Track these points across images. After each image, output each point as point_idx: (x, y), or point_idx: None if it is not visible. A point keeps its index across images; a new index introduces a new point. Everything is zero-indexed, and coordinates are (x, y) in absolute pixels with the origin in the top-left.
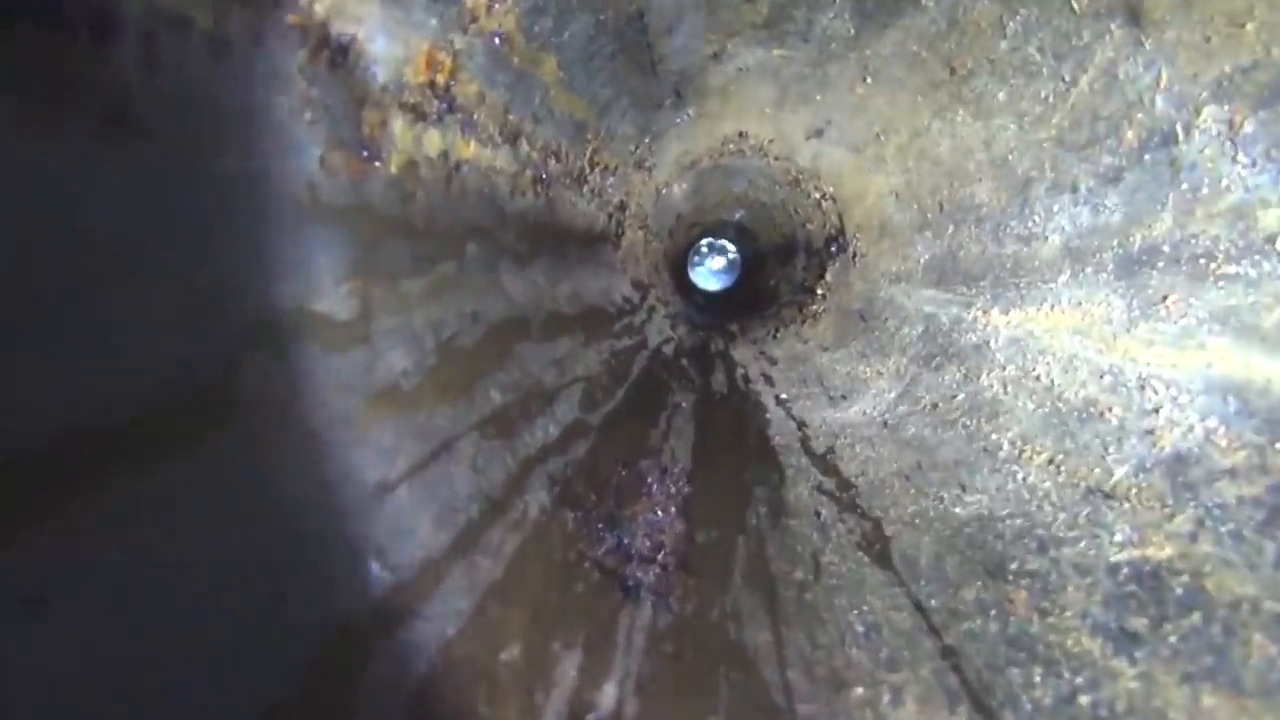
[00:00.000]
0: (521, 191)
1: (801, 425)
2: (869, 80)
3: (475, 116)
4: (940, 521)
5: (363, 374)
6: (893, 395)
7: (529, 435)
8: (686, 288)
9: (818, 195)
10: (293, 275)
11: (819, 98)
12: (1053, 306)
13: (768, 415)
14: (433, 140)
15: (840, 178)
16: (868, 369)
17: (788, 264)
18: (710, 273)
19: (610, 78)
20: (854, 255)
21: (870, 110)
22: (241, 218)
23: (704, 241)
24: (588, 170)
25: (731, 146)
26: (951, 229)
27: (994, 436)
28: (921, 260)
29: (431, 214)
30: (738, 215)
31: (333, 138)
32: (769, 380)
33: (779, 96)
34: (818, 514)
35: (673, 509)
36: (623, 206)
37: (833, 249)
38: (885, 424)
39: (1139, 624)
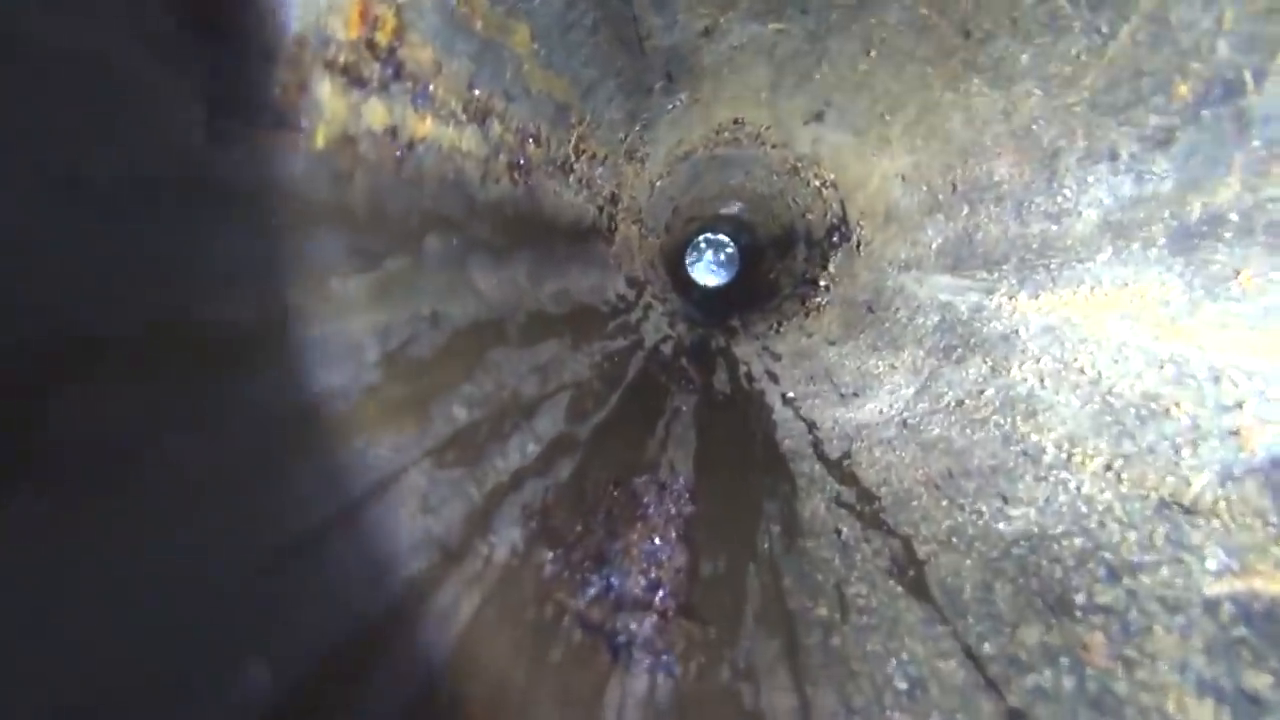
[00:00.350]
0: (495, 178)
1: (812, 427)
2: (873, 53)
3: (432, 89)
4: (981, 540)
5: (275, 398)
6: (910, 391)
7: (500, 458)
8: (684, 284)
9: (818, 183)
10: (171, 275)
11: (818, 76)
12: (1092, 289)
13: (774, 416)
14: (375, 112)
15: (841, 163)
16: (880, 363)
17: (787, 256)
18: (708, 268)
19: (593, 54)
20: (858, 244)
21: (874, 87)
22: (104, 202)
23: (701, 238)
24: (573, 158)
25: (727, 135)
26: (966, 210)
27: (1034, 438)
28: (933, 245)
29: (376, 200)
30: (735, 208)
31: (226, 99)
32: (773, 378)
33: (775, 77)
34: (838, 532)
35: (673, 533)
36: (614, 199)
37: (835, 238)
38: (905, 424)
39: (1260, 683)
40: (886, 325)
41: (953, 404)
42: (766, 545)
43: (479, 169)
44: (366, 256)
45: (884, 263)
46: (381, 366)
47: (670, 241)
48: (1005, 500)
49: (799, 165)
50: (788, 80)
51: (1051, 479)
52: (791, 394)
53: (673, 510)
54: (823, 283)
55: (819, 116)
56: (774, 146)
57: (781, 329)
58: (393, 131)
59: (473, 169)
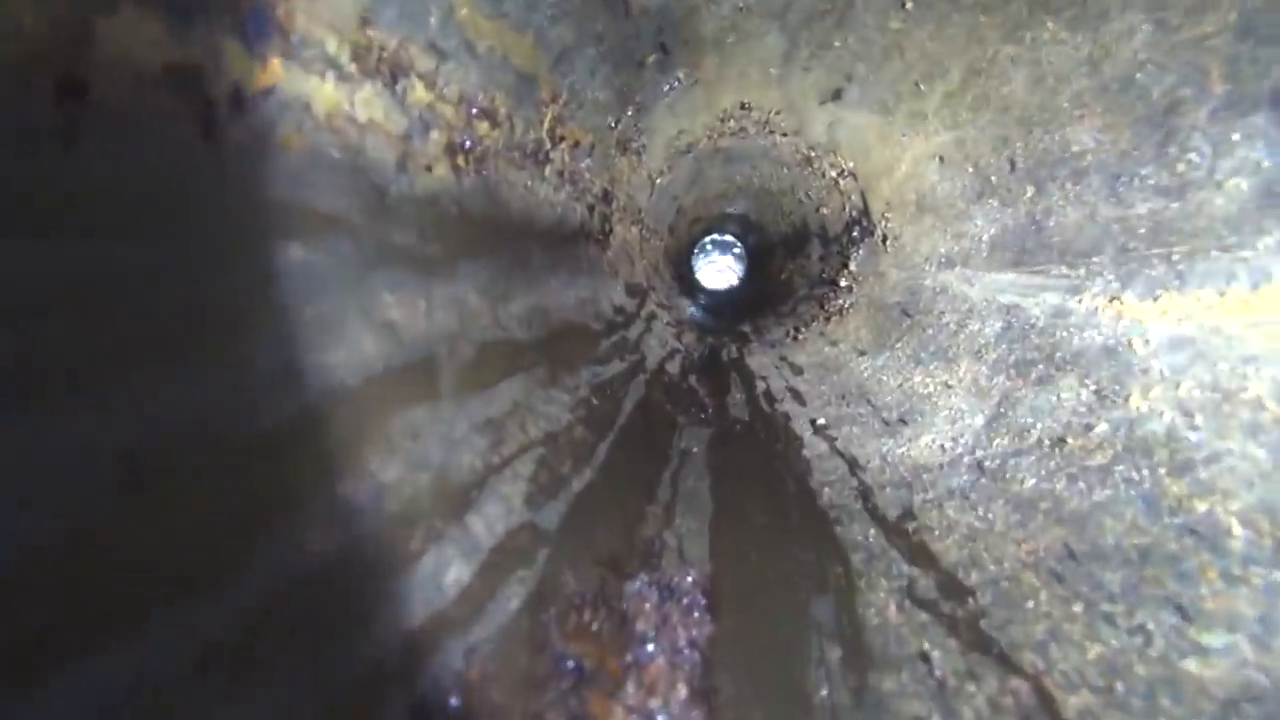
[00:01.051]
0: (425, 165)
1: (854, 466)
2: (908, 5)
3: (279, 15)
4: (1168, 693)
5: None
6: (978, 420)
7: (395, 605)
8: (691, 288)
9: (834, 174)
10: None
11: (838, 43)
12: (1255, 287)
13: (805, 451)
14: (158, 41)
15: (863, 148)
16: (929, 380)
17: (800, 255)
18: (716, 270)
19: (563, 7)
20: (884, 239)
21: (907, 51)
22: None
23: (708, 239)
24: (548, 145)
25: (733, 124)
26: (1030, 192)
27: (1200, 506)
28: (984, 237)
29: (171, 182)
30: (741, 207)
31: None
32: (798, 397)
33: (788, 46)
34: (925, 660)
35: (683, 688)
36: (607, 197)
37: (855, 234)
38: (980, 467)
39: None
40: (929, 332)
41: (1047, 442)
42: (825, 691)
43: (391, 149)
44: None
45: (918, 259)
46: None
47: (675, 244)
48: (1185, 615)
49: (812, 155)
50: (802, 50)
51: (1256, 581)
52: (822, 420)
53: (683, 638)
54: (843, 283)
55: (837, 94)
56: (784, 135)
57: (800, 336)
58: (191, 75)
59: (378, 149)
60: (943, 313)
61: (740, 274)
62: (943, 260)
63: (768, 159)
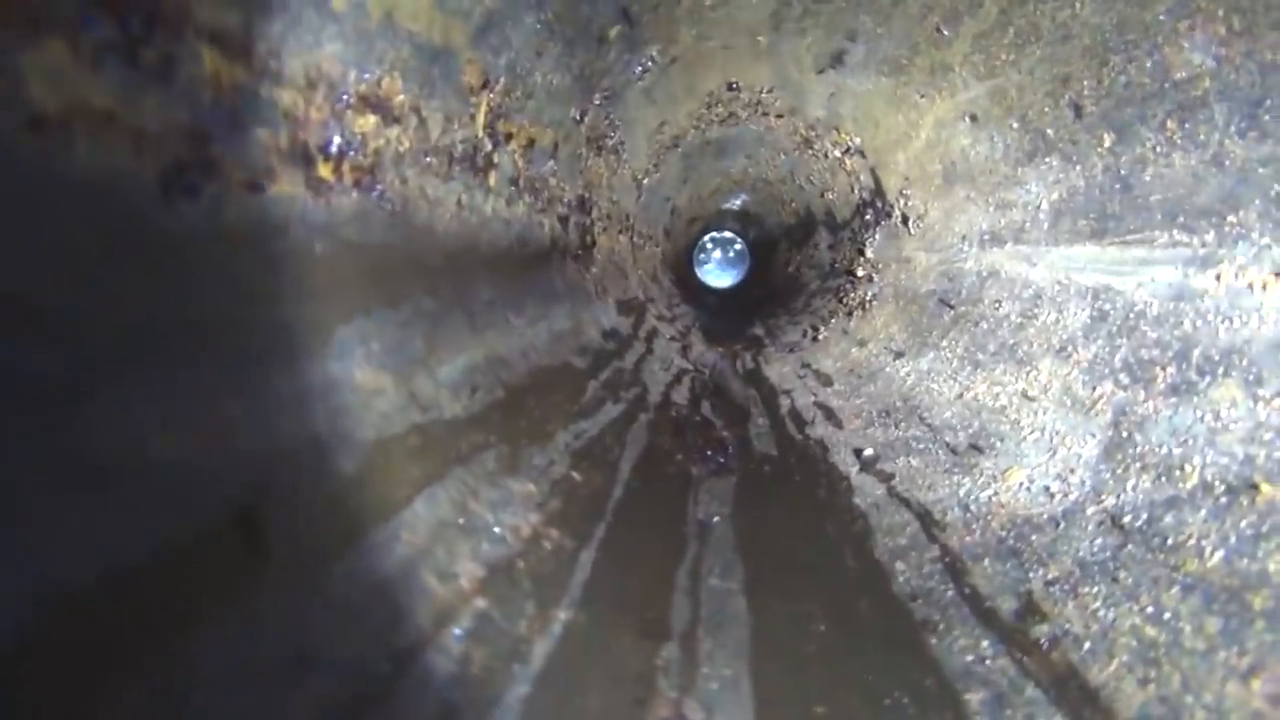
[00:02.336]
0: (246, 181)
1: (927, 522)
2: None
3: None
4: None
5: None
6: (1091, 448)
7: None
8: (695, 292)
9: (838, 153)
10: None
11: None
12: None
13: (856, 500)
14: None
15: (871, 120)
16: (997, 389)
17: (806, 245)
18: (718, 268)
19: None
20: (904, 219)
21: None
22: None
23: (707, 238)
24: (487, 146)
25: (720, 109)
26: (1110, 140)
27: None
28: (1042, 205)
29: None
30: (738, 202)
31: None
32: (832, 417)
33: (776, 6)
34: None
35: None
36: (584, 205)
37: (867, 216)
38: (1117, 523)
39: None
40: (983, 327)
41: (1220, 486)
42: None
43: (142, 157)
44: None
45: (953, 239)
46: None
47: (673, 248)
48: None
49: (812, 135)
50: (794, 7)
51: None
52: (869, 449)
53: None
54: (861, 272)
55: (838, 59)
56: (779, 116)
57: (819, 335)
58: None
59: (111, 155)
60: (998, 301)
61: (743, 271)
62: (986, 237)
63: (763, 145)
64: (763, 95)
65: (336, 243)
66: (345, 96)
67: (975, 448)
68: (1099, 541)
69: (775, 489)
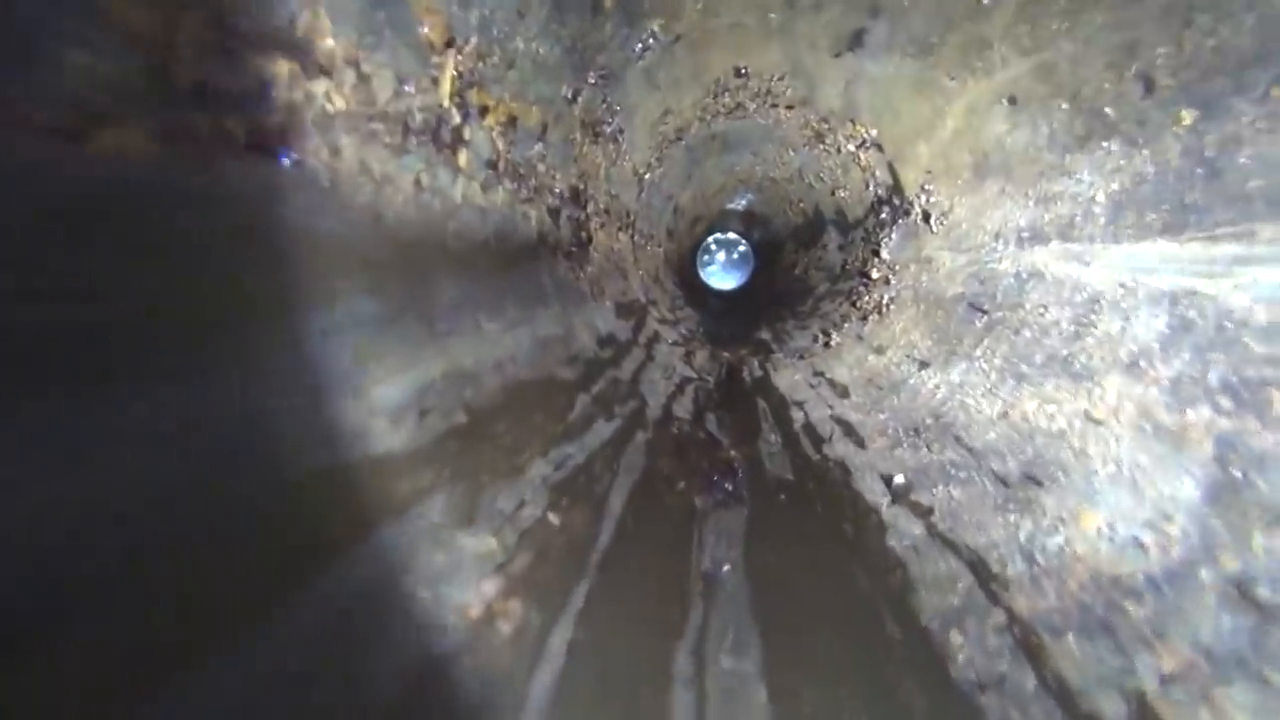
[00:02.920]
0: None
1: (985, 577)
2: None
3: None
4: None
5: None
6: (1188, 488)
7: None
8: (699, 295)
9: (851, 146)
10: None
11: None
12: None
13: (891, 541)
14: None
15: (890, 108)
16: (1051, 408)
17: (814, 246)
18: (722, 270)
19: None
20: (925, 216)
21: None
22: None
23: (711, 239)
24: (455, 117)
25: (727, 99)
26: (1190, 118)
27: None
28: (1098, 196)
29: None
30: (743, 202)
31: None
32: (852, 434)
33: None
34: None
35: None
36: (578, 197)
37: (883, 215)
38: (1250, 598)
39: None
40: (1026, 335)
41: None
42: None
43: None
44: None
45: (984, 238)
46: None
47: (676, 248)
48: None
49: (824, 128)
50: None
51: None
52: (899, 475)
53: None
54: (875, 274)
55: (858, 39)
56: (790, 108)
57: (832, 341)
58: None
59: None
60: (1042, 306)
61: (747, 273)
62: (1025, 235)
63: (771, 141)
64: (773, 83)
65: (211, 221)
66: (240, 25)
67: (1031, 479)
68: (1226, 620)
69: (794, 524)
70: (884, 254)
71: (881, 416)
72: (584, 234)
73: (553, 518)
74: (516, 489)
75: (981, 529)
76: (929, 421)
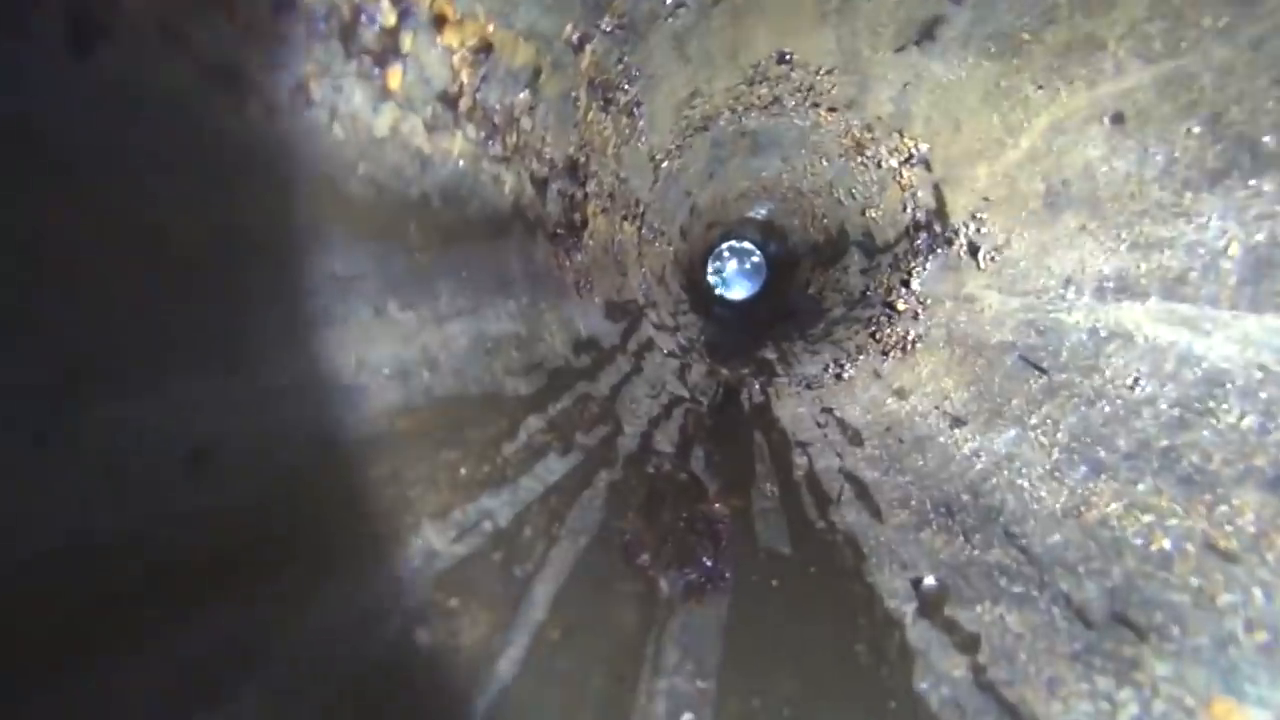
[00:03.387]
0: None
1: None
2: None
3: None
4: None
5: None
6: None
7: None
8: (704, 300)
9: (894, 161)
10: None
11: None
12: None
13: (921, 685)
14: None
15: (949, 120)
16: (1151, 522)
17: (835, 266)
18: (733, 278)
19: None
20: (972, 249)
21: None
22: None
23: (725, 245)
24: (386, 12)
25: (764, 90)
26: None
27: None
28: (1229, 249)
29: None
30: (763, 212)
31: None
32: (866, 499)
33: None
34: None
35: None
36: (575, 171)
37: (918, 241)
38: None
39: None
40: (1104, 409)
41: None
42: None
43: None
44: None
45: (1050, 281)
46: None
47: (689, 250)
48: None
49: (866, 138)
50: None
51: None
52: (930, 578)
53: None
54: (902, 305)
55: (929, 31)
56: (832, 110)
57: (844, 373)
58: None
59: None
60: (1132, 377)
61: (758, 285)
62: (1109, 285)
63: (805, 147)
64: (819, 77)
65: None
66: None
67: (1125, 623)
68: None
69: (789, 636)
70: (915, 285)
71: (902, 479)
72: (578, 216)
73: (421, 635)
74: (377, 583)
75: (1056, 692)
76: (965, 499)
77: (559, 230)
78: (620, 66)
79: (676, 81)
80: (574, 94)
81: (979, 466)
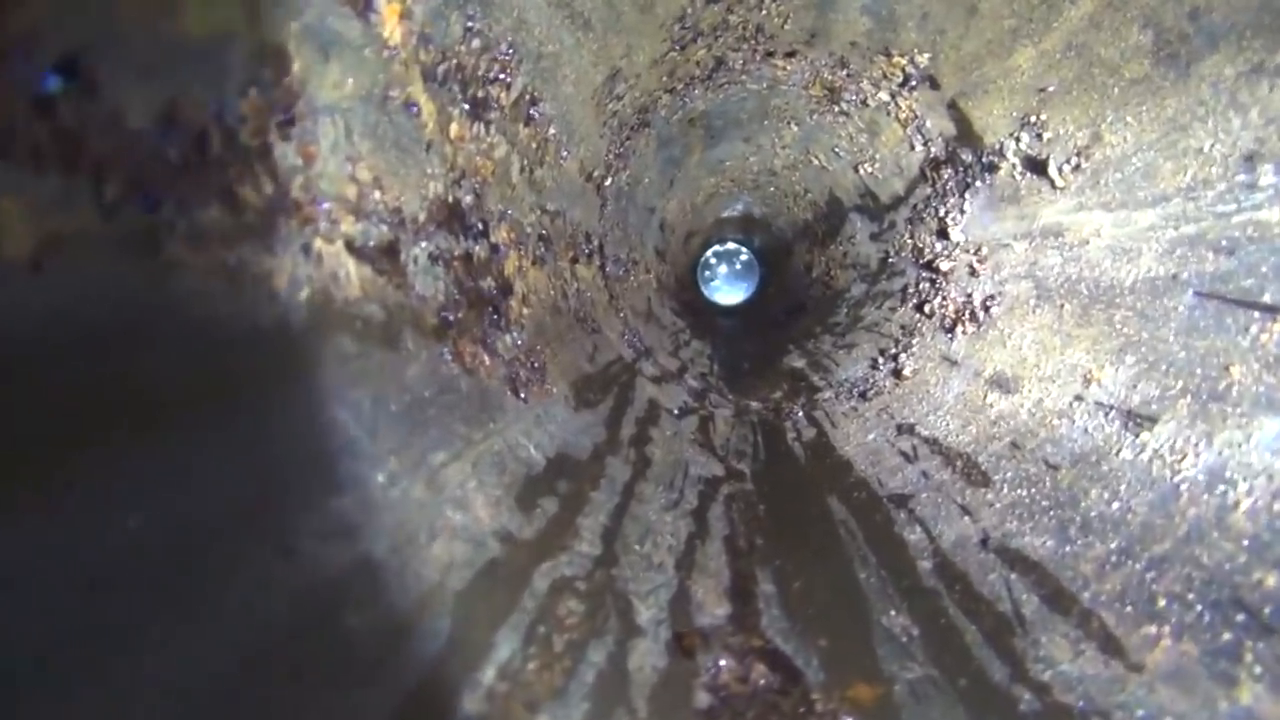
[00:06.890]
0: None
1: None
2: None
3: None
4: None
5: None
6: None
7: None
8: (705, 317)
9: (884, 94)
10: None
11: None
12: None
13: None
14: None
15: (955, 4)
16: None
17: (833, 241)
18: (725, 283)
19: None
20: (1035, 164)
21: None
22: None
23: (710, 252)
24: None
25: (701, 54)
26: None
27: None
28: None
29: None
30: (739, 207)
31: None
32: (1057, 604)
33: None
34: None
35: None
36: (456, 218)
37: (943, 180)
38: None
39: None
40: None
41: None
42: None
43: None
44: None
45: (1214, 170)
46: None
47: (674, 270)
48: None
49: (839, 79)
50: None
51: None
52: None
53: None
54: (945, 264)
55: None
56: (790, 55)
57: (903, 366)
58: None
59: None
60: None
61: (753, 282)
62: None
63: (767, 116)
64: (764, 10)
65: None
66: None
67: None
68: None
69: None
70: (955, 234)
71: (1109, 546)
72: (491, 282)
73: None
74: None
75: None
76: (1240, 579)
77: (449, 315)
78: (474, 44)
79: (580, 59)
80: (401, 98)
81: (1231, 501)
